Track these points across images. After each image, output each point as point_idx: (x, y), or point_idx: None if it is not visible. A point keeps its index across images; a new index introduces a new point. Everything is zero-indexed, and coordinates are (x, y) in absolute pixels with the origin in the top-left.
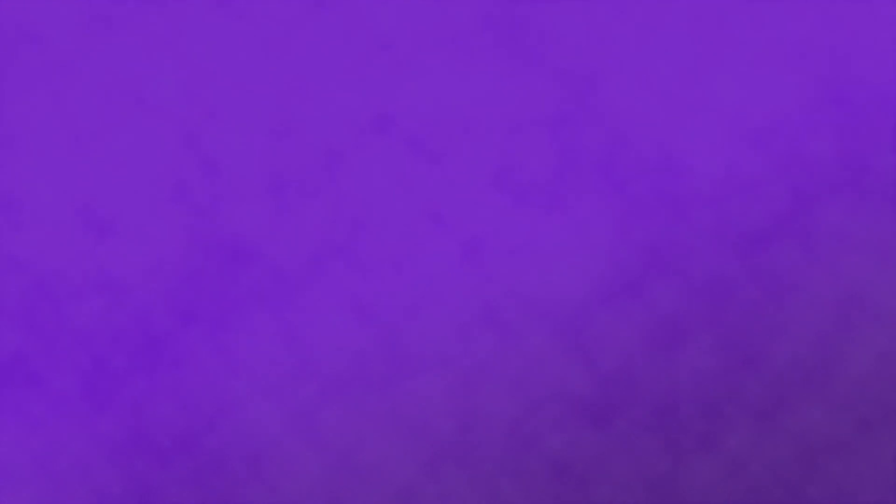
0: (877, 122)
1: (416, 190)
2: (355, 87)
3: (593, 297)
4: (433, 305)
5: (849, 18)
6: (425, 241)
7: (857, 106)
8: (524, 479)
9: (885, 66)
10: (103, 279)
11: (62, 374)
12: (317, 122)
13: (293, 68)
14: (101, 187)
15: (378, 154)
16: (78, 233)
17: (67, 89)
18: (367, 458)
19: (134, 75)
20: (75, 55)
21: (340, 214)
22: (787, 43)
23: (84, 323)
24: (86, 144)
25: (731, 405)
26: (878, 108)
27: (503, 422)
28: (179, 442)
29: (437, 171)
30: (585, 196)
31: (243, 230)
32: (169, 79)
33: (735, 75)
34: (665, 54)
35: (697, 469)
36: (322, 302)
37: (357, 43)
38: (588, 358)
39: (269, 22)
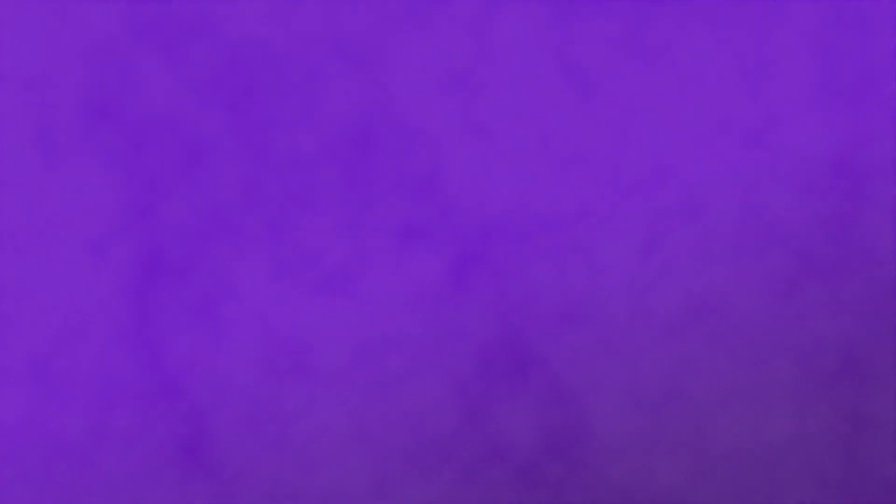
0: (877, 122)
1: (413, 189)
2: (353, 86)
3: (594, 300)
4: (432, 310)
5: (849, 19)
6: (422, 248)
7: (857, 106)
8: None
9: (886, 66)
10: (109, 280)
11: (64, 376)
12: (315, 121)
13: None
14: (105, 190)
15: (377, 152)
16: (81, 237)
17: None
18: (371, 458)
19: (133, 75)
20: (63, 53)
21: (343, 214)
22: (788, 44)
23: (90, 324)
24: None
25: (730, 406)
26: (878, 109)
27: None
28: (180, 443)
29: (436, 172)
30: (586, 198)
31: (242, 229)
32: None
33: (736, 77)
34: (665, 56)
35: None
36: (322, 302)
37: (354, 41)
38: (591, 362)
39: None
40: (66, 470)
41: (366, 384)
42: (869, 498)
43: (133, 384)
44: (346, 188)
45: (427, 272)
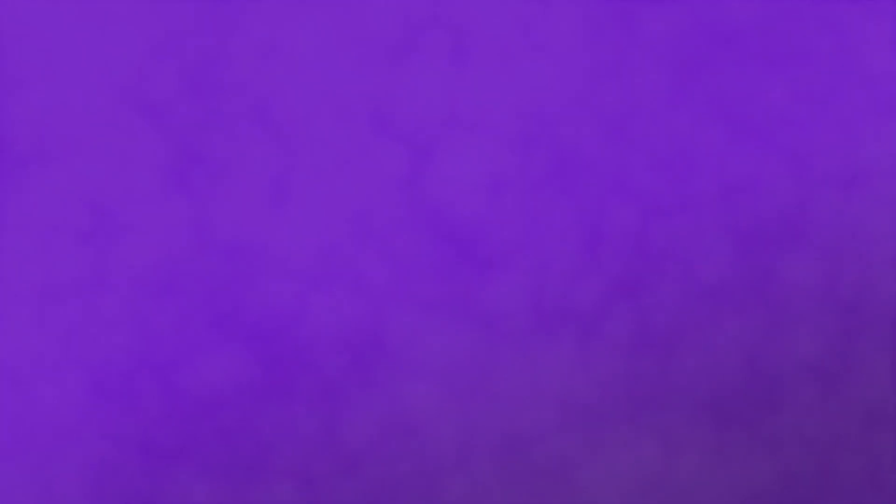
0: (875, 123)
1: (414, 190)
2: (355, 86)
3: (595, 298)
4: (427, 305)
5: (848, 20)
6: (423, 243)
7: (857, 107)
8: (517, 482)
9: (885, 68)
10: (106, 278)
11: (65, 376)
12: (317, 120)
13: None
14: (103, 187)
15: (377, 153)
16: (83, 233)
17: (68, 87)
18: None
19: (136, 74)
20: (75, 53)
21: (342, 213)
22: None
23: (91, 323)
24: (88, 142)
25: (732, 405)
26: (877, 109)
27: (501, 425)
28: (180, 441)
29: (439, 172)
30: (588, 195)
31: (245, 230)
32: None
33: (735, 76)
34: (667, 54)
35: (694, 468)
36: (321, 302)
37: (355, 40)
38: (588, 360)
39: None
40: (66, 469)
41: (365, 384)
42: (871, 498)
43: (133, 383)
44: (342, 186)
45: (420, 267)
